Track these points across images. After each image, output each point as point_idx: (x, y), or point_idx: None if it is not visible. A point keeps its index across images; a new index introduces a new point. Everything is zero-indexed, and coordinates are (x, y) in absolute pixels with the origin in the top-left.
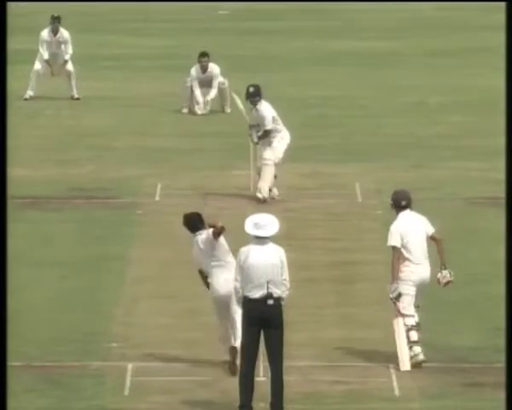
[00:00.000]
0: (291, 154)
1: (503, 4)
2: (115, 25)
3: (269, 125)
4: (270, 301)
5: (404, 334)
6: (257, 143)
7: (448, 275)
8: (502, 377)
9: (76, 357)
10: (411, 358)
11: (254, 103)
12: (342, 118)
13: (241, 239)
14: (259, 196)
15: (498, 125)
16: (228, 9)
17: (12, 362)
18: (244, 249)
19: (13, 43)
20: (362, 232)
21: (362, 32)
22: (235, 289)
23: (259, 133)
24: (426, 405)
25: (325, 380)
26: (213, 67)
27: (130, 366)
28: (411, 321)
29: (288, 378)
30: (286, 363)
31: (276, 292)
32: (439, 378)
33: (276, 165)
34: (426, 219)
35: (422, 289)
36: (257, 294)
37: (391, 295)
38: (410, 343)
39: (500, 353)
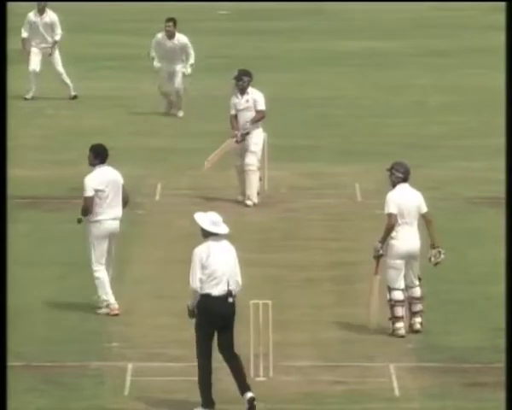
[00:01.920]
0: (291, 154)
1: (503, 4)
2: (115, 25)
3: (263, 106)
4: (231, 299)
5: (376, 292)
6: (246, 134)
7: (438, 255)
8: (502, 377)
9: (76, 357)
10: (392, 331)
11: (243, 89)
12: (342, 118)
13: (241, 238)
14: (249, 203)
15: (498, 125)
16: (228, 9)
17: (12, 362)
18: (203, 248)
19: (13, 43)
20: (362, 232)
21: (362, 32)
22: (195, 289)
23: (248, 122)
24: (426, 405)
25: (325, 380)
26: (181, 37)
27: (130, 366)
28: (398, 295)
29: (288, 378)
30: (286, 363)
31: (234, 290)
32: (439, 378)
33: (258, 169)
34: (421, 196)
35: (414, 262)
36: (218, 291)
37: (373, 254)
38: (394, 318)
39: (500, 353)
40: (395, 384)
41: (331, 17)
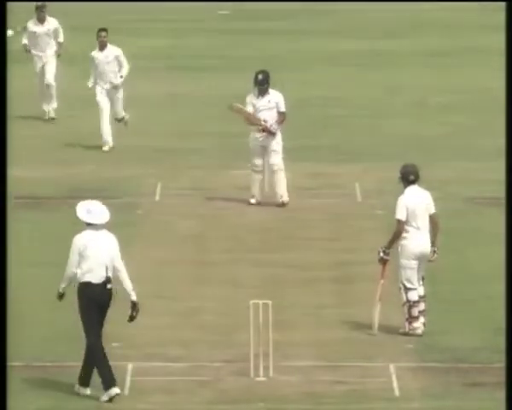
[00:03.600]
0: (291, 154)
1: (503, 4)
2: (115, 25)
3: (284, 107)
4: (109, 286)
5: (380, 297)
6: (275, 131)
7: (432, 254)
8: (502, 377)
9: (76, 357)
10: (409, 331)
11: (264, 91)
12: (342, 118)
13: (240, 238)
14: (284, 200)
15: (498, 125)
16: (228, 9)
17: (12, 362)
18: (81, 236)
19: (13, 43)
20: (362, 232)
21: (362, 32)
22: (70, 275)
23: (273, 122)
24: (426, 405)
25: (325, 380)
26: (113, 48)
27: (130, 366)
28: (414, 296)
29: (288, 378)
30: (286, 363)
31: (118, 276)
32: (439, 378)
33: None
34: (430, 196)
35: (424, 262)
36: (97, 279)
37: (378, 258)
38: (411, 318)
39: (500, 353)
40: (395, 384)
41: (331, 17)
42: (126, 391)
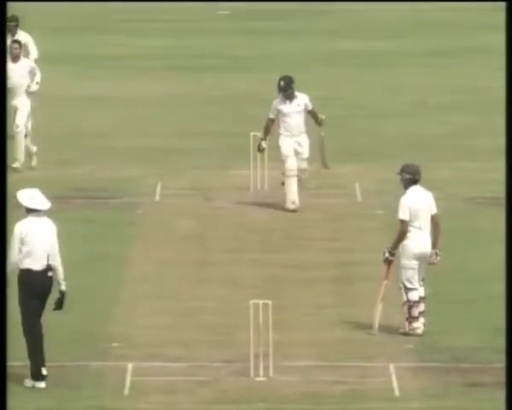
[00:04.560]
0: None
1: (503, 4)
2: (115, 25)
3: (311, 105)
4: (50, 273)
5: (379, 301)
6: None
7: (434, 256)
8: (502, 377)
9: (76, 357)
10: (409, 331)
11: (290, 96)
12: (342, 118)
13: (240, 238)
14: (294, 206)
15: (498, 125)
16: (228, 9)
17: (12, 362)
18: (23, 223)
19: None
20: (362, 232)
21: (362, 32)
22: (12, 262)
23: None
24: (426, 405)
25: (325, 380)
26: (26, 60)
27: (130, 366)
28: (414, 296)
29: (288, 378)
30: (286, 363)
31: (54, 264)
32: (439, 378)
33: None
34: (432, 196)
35: (424, 262)
36: (38, 266)
37: (383, 258)
38: (411, 318)
39: (500, 353)
40: (395, 384)
41: (331, 17)
42: (126, 391)
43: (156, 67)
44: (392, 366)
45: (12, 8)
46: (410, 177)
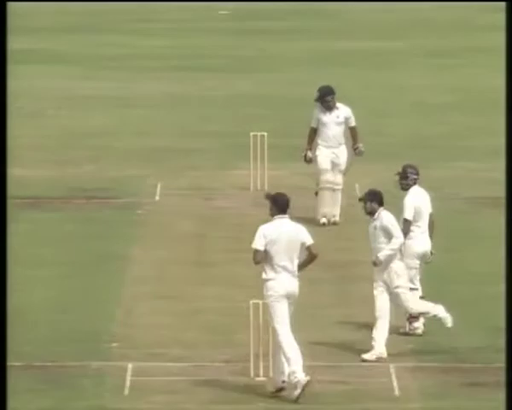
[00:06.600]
0: (291, 154)
1: (503, 4)
2: (115, 25)
3: (354, 122)
4: None
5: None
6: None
7: (429, 255)
8: (502, 377)
9: (76, 357)
10: (409, 331)
11: (330, 106)
12: None
13: (240, 238)
14: (337, 220)
15: (498, 125)
16: (228, 9)
17: (12, 362)
18: None
19: (13, 43)
20: (362, 232)
21: (362, 32)
22: None
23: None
24: (426, 405)
25: (325, 380)
26: None
27: (130, 366)
28: (415, 296)
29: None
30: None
31: None
32: (439, 378)
33: None
34: (428, 196)
35: (423, 262)
36: None
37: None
38: (412, 318)
39: (500, 353)
40: (395, 384)
41: (331, 17)
42: (126, 391)
43: (156, 67)
44: (392, 366)
45: (12, 8)
46: (417, 177)
